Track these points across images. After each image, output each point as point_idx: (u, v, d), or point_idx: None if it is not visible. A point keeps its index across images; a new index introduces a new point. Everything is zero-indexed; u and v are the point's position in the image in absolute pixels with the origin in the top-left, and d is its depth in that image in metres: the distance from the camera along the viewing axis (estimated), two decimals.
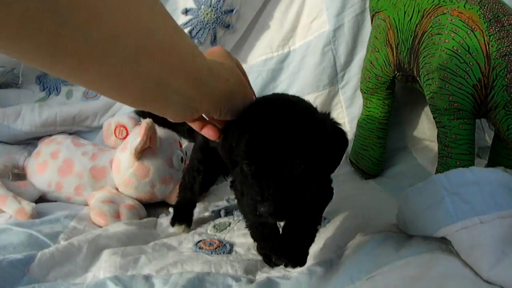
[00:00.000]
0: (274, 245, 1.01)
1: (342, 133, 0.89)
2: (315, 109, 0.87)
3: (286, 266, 0.95)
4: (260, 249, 1.08)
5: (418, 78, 1.36)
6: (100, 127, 1.74)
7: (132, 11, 0.53)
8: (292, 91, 1.79)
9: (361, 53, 1.74)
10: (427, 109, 1.70)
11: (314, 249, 1.07)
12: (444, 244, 0.95)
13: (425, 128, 1.73)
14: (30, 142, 1.75)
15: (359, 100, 1.70)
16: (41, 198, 1.55)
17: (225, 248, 1.20)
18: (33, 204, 1.40)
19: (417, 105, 1.73)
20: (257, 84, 1.79)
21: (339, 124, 0.89)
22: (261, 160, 0.77)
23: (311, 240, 0.97)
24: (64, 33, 0.47)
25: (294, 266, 0.94)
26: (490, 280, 0.83)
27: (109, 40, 0.51)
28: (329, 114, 0.88)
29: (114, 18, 0.51)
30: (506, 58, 1.14)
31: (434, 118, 1.30)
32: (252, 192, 0.77)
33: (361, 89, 1.64)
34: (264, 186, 0.76)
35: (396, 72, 1.48)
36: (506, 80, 1.14)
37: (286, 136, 0.76)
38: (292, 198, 0.77)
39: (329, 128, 0.84)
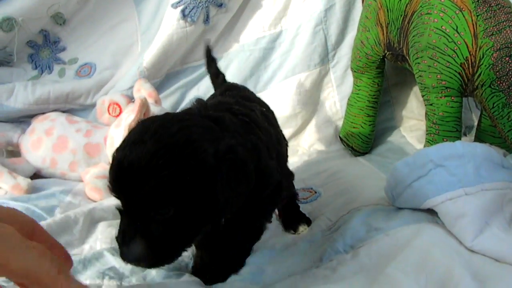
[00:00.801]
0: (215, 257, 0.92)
1: (235, 167, 0.70)
2: (204, 137, 0.69)
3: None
4: (199, 261, 0.96)
5: (407, 57, 1.39)
6: (94, 105, 1.75)
7: None
8: (283, 70, 1.81)
9: (352, 33, 1.76)
10: (416, 89, 1.74)
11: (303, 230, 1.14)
12: (431, 216, 0.98)
13: (414, 107, 1.77)
14: (23, 120, 1.75)
15: (350, 79, 1.73)
16: (36, 175, 1.57)
17: None
18: (29, 179, 1.42)
19: (406, 85, 1.77)
20: (249, 63, 1.81)
21: (235, 153, 0.71)
22: (124, 197, 0.66)
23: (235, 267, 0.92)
24: None
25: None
26: (473, 249, 0.87)
27: None
28: (228, 145, 0.70)
29: None
30: (493, 37, 1.17)
31: (423, 96, 1.33)
32: (118, 230, 0.67)
33: (351, 68, 1.67)
34: (127, 228, 0.65)
35: (386, 51, 1.51)
36: (492, 59, 1.17)
37: (147, 175, 0.63)
38: (161, 246, 0.64)
39: (215, 162, 0.67)
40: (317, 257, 0.97)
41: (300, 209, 1.20)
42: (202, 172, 0.65)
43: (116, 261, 1.00)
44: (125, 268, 0.98)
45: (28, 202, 1.28)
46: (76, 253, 1.08)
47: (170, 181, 0.63)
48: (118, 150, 0.68)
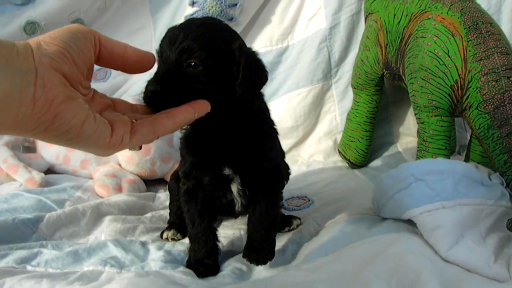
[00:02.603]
0: (208, 253, 1.06)
1: (253, 57, 0.92)
2: (235, 36, 0.94)
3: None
4: (193, 254, 1.08)
5: (403, 77, 1.47)
6: None
7: None
8: (288, 83, 1.91)
9: (354, 51, 1.84)
10: None
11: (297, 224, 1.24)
12: (411, 226, 1.06)
13: (411, 125, 1.84)
14: None
15: (351, 95, 1.81)
16: (50, 170, 1.67)
17: None
18: (42, 174, 1.52)
19: (405, 103, 1.84)
20: None
21: (255, 52, 0.95)
22: (166, 51, 0.84)
23: (275, 231, 1.09)
24: None
25: (260, 264, 1.04)
26: (448, 259, 0.95)
27: None
28: (251, 50, 0.94)
29: None
30: (481, 62, 1.24)
31: (415, 114, 1.41)
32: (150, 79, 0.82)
33: (351, 84, 1.75)
34: (160, 71, 0.82)
35: (384, 70, 1.59)
36: (479, 82, 1.24)
37: (191, 38, 0.83)
38: (182, 87, 0.79)
39: (237, 47, 0.89)
40: (302, 258, 1.05)
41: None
42: (229, 52, 0.88)
43: (118, 251, 1.10)
44: (126, 258, 1.07)
45: (41, 194, 1.38)
46: (82, 243, 1.17)
47: (204, 47, 0.84)
48: (172, 27, 0.88)
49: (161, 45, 0.87)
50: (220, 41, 0.88)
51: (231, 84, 0.88)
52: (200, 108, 0.74)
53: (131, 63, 0.70)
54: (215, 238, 1.08)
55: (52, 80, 0.56)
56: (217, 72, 0.85)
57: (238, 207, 1.09)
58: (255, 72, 0.91)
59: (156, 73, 0.82)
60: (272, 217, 1.07)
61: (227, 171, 1.01)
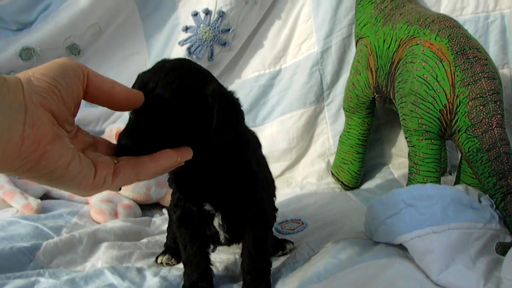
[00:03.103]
0: (201, 275, 1.08)
1: (226, 99, 0.89)
2: (208, 80, 0.88)
3: None
4: (187, 278, 1.09)
5: (394, 101, 1.50)
6: (102, 132, 1.86)
7: None
8: (281, 106, 1.94)
9: (346, 74, 1.87)
10: None
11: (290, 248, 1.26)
12: (403, 251, 1.08)
13: (403, 146, 1.87)
14: None
15: (343, 117, 1.84)
16: (46, 195, 1.69)
17: None
18: (39, 200, 1.54)
19: (396, 125, 1.86)
20: (249, 98, 1.94)
21: (229, 92, 0.91)
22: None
23: (269, 271, 1.10)
24: None
25: None
26: (439, 283, 0.96)
27: None
28: (225, 91, 0.91)
29: None
30: (469, 87, 1.27)
31: (406, 137, 1.44)
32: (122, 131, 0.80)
33: (343, 107, 1.78)
34: (131, 123, 0.79)
35: (375, 94, 1.62)
36: (468, 107, 1.27)
37: (162, 86, 0.79)
38: (153, 140, 0.76)
39: (211, 93, 0.84)
40: (295, 284, 1.07)
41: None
42: (202, 98, 0.84)
43: (114, 279, 1.11)
44: (122, 285, 1.08)
45: (38, 221, 1.39)
46: (79, 270, 1.19)
47: (178, 95, 0.80)
48: (142, 73, 0.84)
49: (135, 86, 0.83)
50: (192, 87, 0.83)
51: (207, 130, 0.85)
52: (183, 154, 0.75)
53: (118, 101, 0.68)
54: (208, 261, 1.10)
55: (41, 119, 0.55)
56: (190, 121, 0.82)
57: (222, 239, 1.11)
58: (230, 115, 0.89)
59: (127, 125, 0.80)
60: (264, 261, 1.09)
61: (207, 207, 1.03)
